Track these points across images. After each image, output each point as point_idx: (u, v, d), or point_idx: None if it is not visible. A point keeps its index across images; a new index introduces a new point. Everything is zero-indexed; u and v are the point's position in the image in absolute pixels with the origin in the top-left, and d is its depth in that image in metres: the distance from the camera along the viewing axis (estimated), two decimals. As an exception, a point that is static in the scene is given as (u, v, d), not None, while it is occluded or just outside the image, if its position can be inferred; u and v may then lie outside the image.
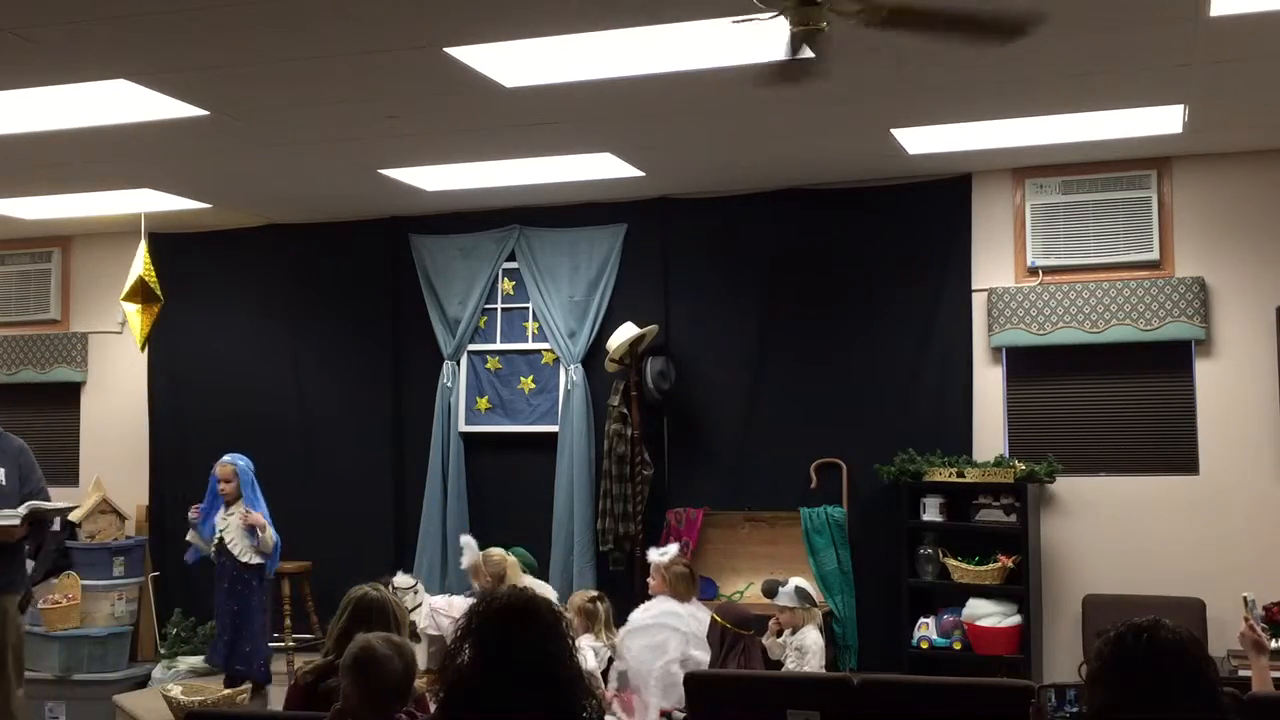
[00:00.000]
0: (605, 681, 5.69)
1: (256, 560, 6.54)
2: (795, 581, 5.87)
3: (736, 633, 5.62)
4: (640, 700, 5.64)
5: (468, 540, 6.59)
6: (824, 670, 5.69)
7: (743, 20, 3.64)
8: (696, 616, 5.93)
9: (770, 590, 5.92)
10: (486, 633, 2.70)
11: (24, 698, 5.38)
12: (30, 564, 6.17)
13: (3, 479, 5.32)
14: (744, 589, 6.92)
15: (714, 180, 7.05)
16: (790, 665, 5.68)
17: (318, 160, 6.45)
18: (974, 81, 5.20)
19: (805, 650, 5.68)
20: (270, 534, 6.56)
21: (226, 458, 6.67)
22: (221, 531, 6.53)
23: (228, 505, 6.58)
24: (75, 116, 5.51)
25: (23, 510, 5.41)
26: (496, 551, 6.50)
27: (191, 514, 6.69)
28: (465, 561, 6.55)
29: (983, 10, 3.76)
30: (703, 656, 5.74)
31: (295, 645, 7.29)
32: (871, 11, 3.49)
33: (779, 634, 5.80)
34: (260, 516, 6.54)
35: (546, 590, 6.38)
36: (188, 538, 6.71)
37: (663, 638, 5.68)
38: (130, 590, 7.59)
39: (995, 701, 3.80)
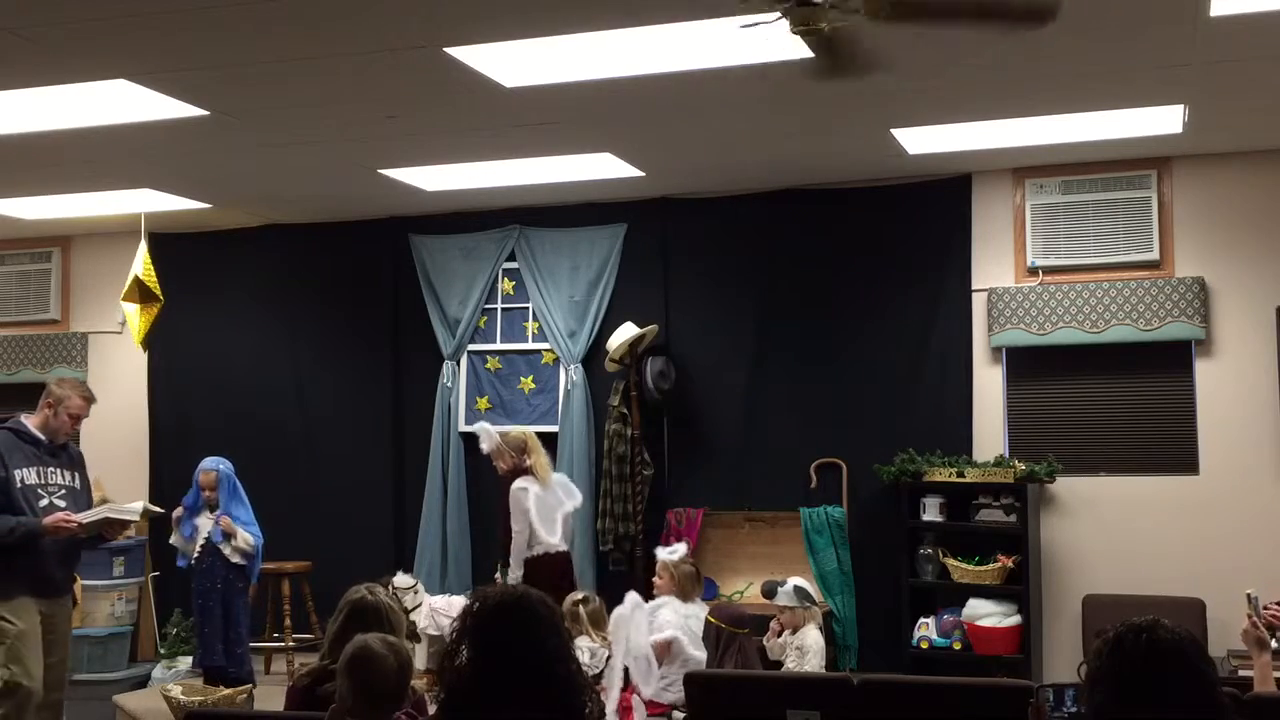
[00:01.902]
0: (599, 679, 5.69)
1: (241, 561, 6.54)
2: (794, 581, 5.87)
3: (732, 632, 5.61)
4: (636, 698, 5.64)
5: (483, 425, 6.56)
6: (824, 670, 5.68)
7: (750, 25, 3.63)
8: (698, 617, 5.93)
9: (770, 591, 5.92)
10: (483, 632, 2.70)
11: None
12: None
13: (77, 483, 5.34)
14: (744, 589, 6.92)
15: (714, 180, 7.05)
16: (790, 665, 5.68)
17: (318, 160, 6.45)
18: (974, 81, 5.20)
19: (806, 650, 5.68)
20: (244, 537, 6.53)
21: (208, 464, 6.62)
22: (209, 533, 6.52)
23: (211, 509, 6.56)
24: (75, 116, 5.52)
25: (139, 506, 5.47)
26: (515, 429, 6.54)
27: (177, 512, 6.62)
28: (485, 447, 6.53)
29: None
30: (701, 655, 5.74)
31: (295, 645, 7.30)
32: (876, 6, 3.44)
33: (779, 634, 5.80)
34: (230, 521, 6.53)
35: (563, 481, 6.49)
36: (171, 541, 6.65)
37: (630, 632, 5.72)
38: (130, 590, 7.57)
39: (995, 701, 3.79)
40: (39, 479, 5.19)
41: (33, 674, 5.06)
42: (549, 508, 6.39)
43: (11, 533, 5.03)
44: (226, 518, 6.51)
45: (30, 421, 5.27)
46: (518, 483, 6.36)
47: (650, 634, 5.74)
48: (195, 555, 6.53)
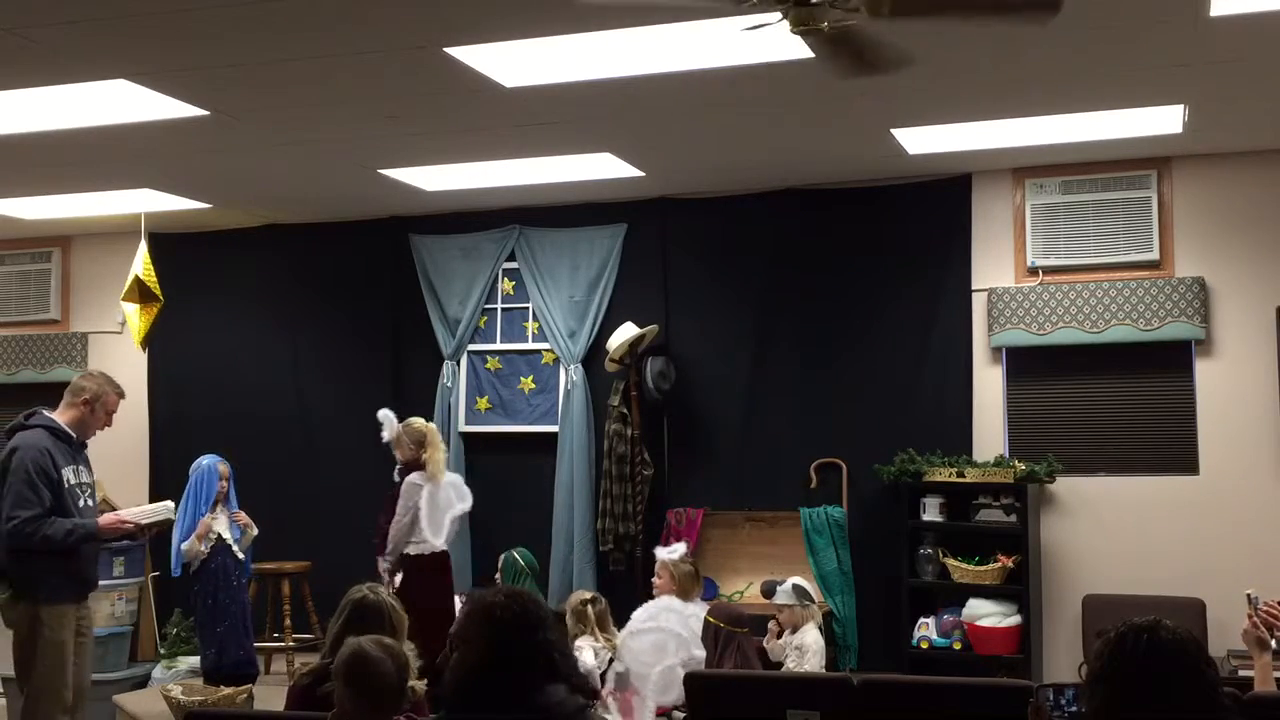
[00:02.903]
0: (603, 682, 5.68)
1: (241, 557, 6.58)
2: (793, 580, 5.87)
3: (730, 631, 5.61)
4: (639, 699, 5.63)
5: (386, 414, 6.55)
6: (824, 670, 5.68)
7: (752, 28, 3.63)
8: (698, 616, 5.92)
9: (769, 591, 5.91)
10: (481, 632, 2.74)
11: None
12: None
13: (91, 480, 5.25)
14: (744, 589, 6.92)
15: (714, 180, 7.05)
16: (790, 665, 5.67)
17: (318, 160, 6.45)
18: (974, 81, 5.20)
19: (805, 649, 5.68)
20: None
21: (217, 458, 6.64)
22: (220, 531, 6.53)
23: (215, 505, 6.55)
24: (75, 116, 5.52)
25: (171, 504, 5.49)
26: (417, 420, 6.52)
27: (204, 525, 6.58)
28: (386, 435, 6.48)
29: None
30: (702, 655, 5.73)
31: (295, 645, 7.30)
32: (877, 2, 3.42)
33: (779, 635, 5.80)
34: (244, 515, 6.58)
35: (455, 482, 6.48)
36: (184, 546, 6.57)
37: (661, 639, 5.68)
38: (130, 590, 7.56)
39: (994, 701, 3.80)
40: (75, 478, 5.08)
41: (66, 684, 4.98)
42: (438, 508, 6.36)
43: (70, 535, 4.93)
44: (243, 513, 6.54)
45: (60, 418, 5.14)
46: (413, 477, 6.35)
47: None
48: (204, 555, 6.52)
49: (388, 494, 6.46)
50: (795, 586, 5.81)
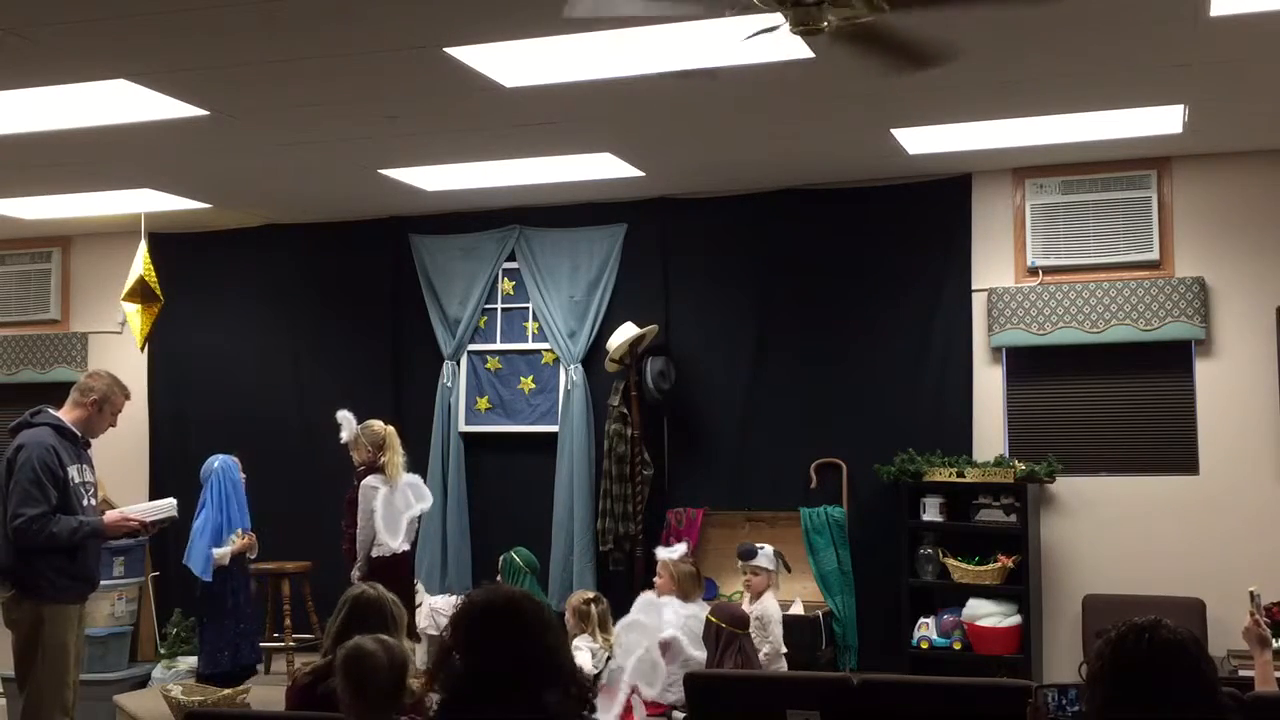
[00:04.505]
0: (598, 681, 5.68)
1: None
2: (771, 547, 5.92)
3: (732, 631, 5.61)
4: (637, 697, 5.64)
5: (345, 414, 6.54)
6: (782, 636, 5.75)
7: (755, 34, 3.62)
8: (698, 616, 5.92)
9: (749, 552, 5.91)
10: (477, 633, 2.74)
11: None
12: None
13: (94, 479, 5.25)
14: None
15: (714, 180, 7.05)
16: (754, 637, 5.69)
17: (318, 160, 6.45)
18: (974, 81, 5.20)
19: (768, 618, 5.70)
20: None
21: (227, 455, 6.70)
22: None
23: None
24: (75, 116, 5.52)
25: (174, 501, 5.49)
26: (376, 423, 6.53)
27: (249, 539, 6.60)
28: (344, 436, 6.50)
29: None
30: (701, 655, 5.74)
31: (295, 645, 7.30)
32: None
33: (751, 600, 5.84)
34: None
35: (414, 482, 6.51)
36: (218, 552, 6.49)
37: (637, 635, 5.71)
38: (130, 590, 7.57)
39: (994, 701, 3.80)
40: (79, 477, 5.08)
41: (66, 684, 4.95)
42: (395, 510, 6.36)
43: (75, 533, 4.93)
44: (252, 534, 6.63)
45: (66, 417, 5.14)
46: (369, 480, 6.37)
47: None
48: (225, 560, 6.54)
49: (348, 498, 6.48)
50: (777, 551, 5.85)
